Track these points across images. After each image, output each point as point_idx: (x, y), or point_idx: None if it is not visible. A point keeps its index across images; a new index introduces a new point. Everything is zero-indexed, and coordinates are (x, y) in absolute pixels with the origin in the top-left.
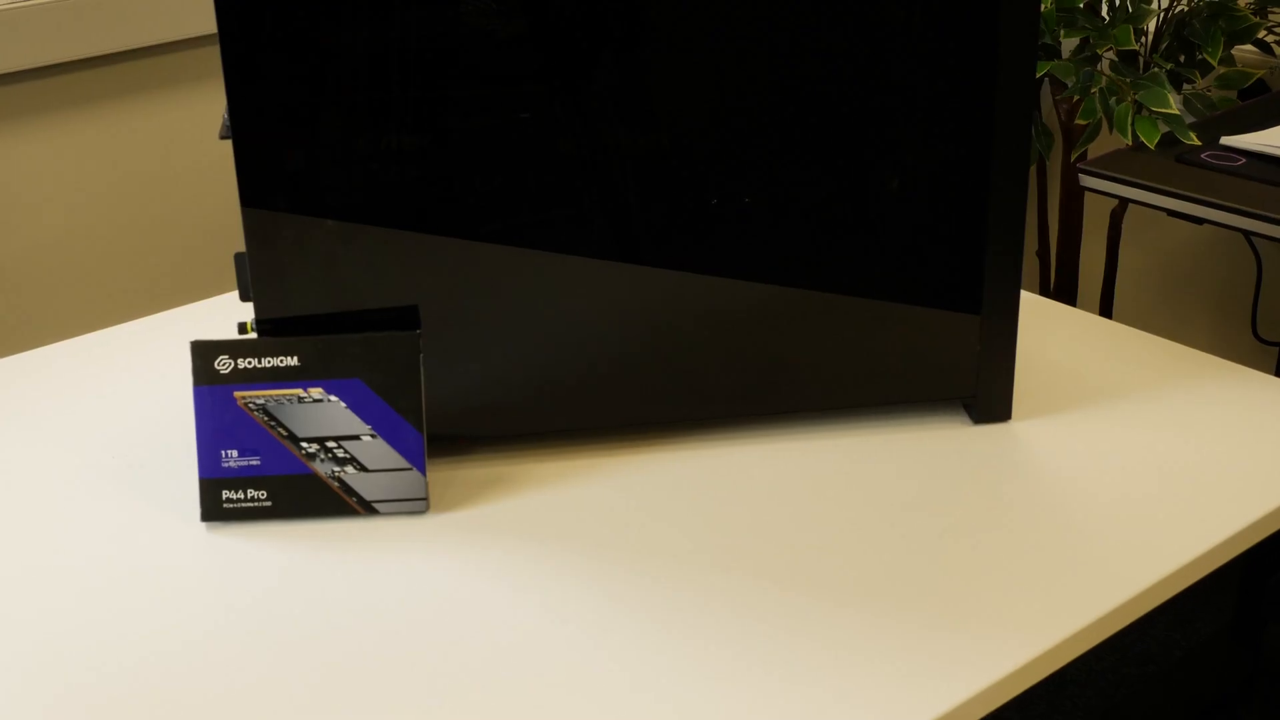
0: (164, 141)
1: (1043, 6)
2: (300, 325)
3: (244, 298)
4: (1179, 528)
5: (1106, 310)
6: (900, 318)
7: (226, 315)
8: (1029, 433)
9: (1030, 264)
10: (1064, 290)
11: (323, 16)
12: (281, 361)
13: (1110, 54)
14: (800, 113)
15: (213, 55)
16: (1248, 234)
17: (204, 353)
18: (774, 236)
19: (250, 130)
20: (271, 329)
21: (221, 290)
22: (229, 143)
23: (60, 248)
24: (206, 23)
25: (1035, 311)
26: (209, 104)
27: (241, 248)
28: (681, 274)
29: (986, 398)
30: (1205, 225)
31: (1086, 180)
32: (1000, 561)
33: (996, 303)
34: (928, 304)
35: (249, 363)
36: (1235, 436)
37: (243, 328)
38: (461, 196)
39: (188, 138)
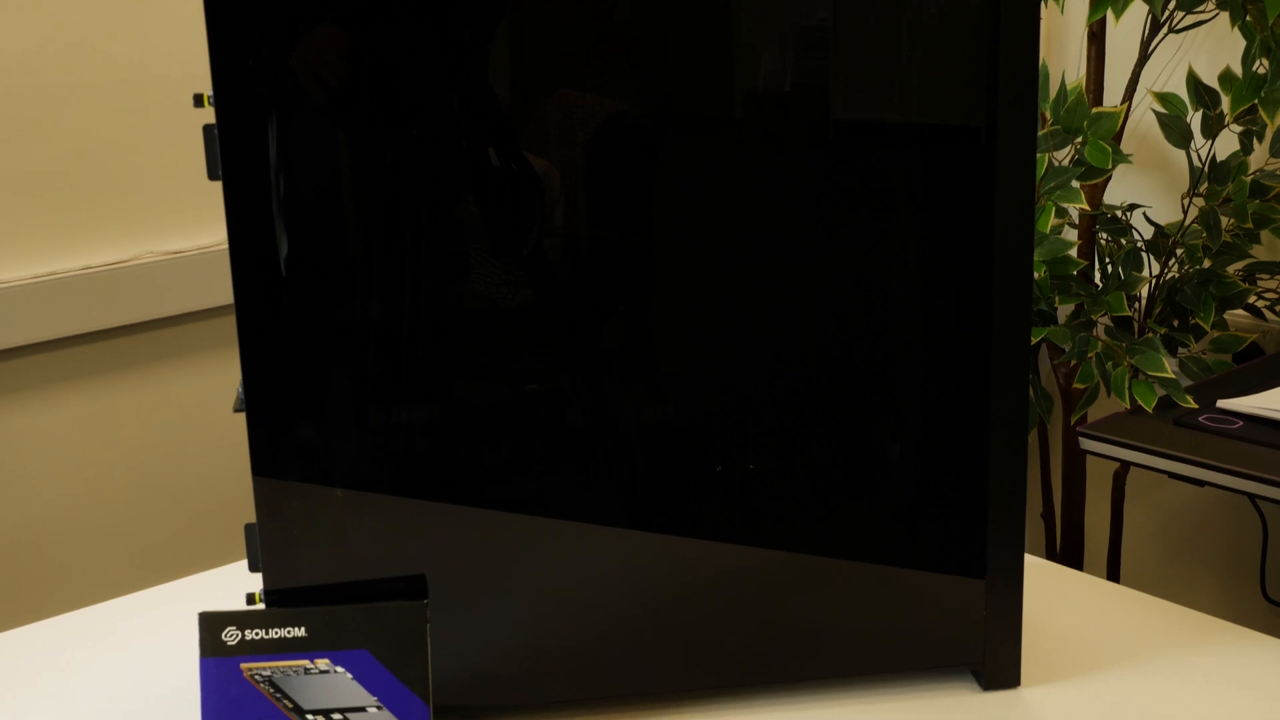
0: (175, 412)
1: (1036, 274)
2: (308, 595)
3: (253, 568)
4: None
5: (1114, 572)
6: (904, 583)
7: (236, 585)
8: (1039, 699)
9: (1035, 527)
10: (1070, 553)
11: (335, 290)
12: (289, 632)
13: (1105, 319)
14: (802, 381)
15: (223, 326)
16: (1251, 496)
17: (211, 624)
18: (777, 503)
19: (263, 402)
20: (280, 599)
21: (231, 559)
22: (240, 413)
23: (70, 518)
24: (218, 295)
25: (1041, 575)
26: (219, 374)
27: (251, 518)
28: (687, 540)
29: (994, 664)
30: (1207, 487)
31: (1087, 443)
32: None
33: (1001, 567)
34: (932, 569)
35: (256, 634)
36: (1247, 703)
37: (251, 598)
38: (470, 466)
39: (198, 408)
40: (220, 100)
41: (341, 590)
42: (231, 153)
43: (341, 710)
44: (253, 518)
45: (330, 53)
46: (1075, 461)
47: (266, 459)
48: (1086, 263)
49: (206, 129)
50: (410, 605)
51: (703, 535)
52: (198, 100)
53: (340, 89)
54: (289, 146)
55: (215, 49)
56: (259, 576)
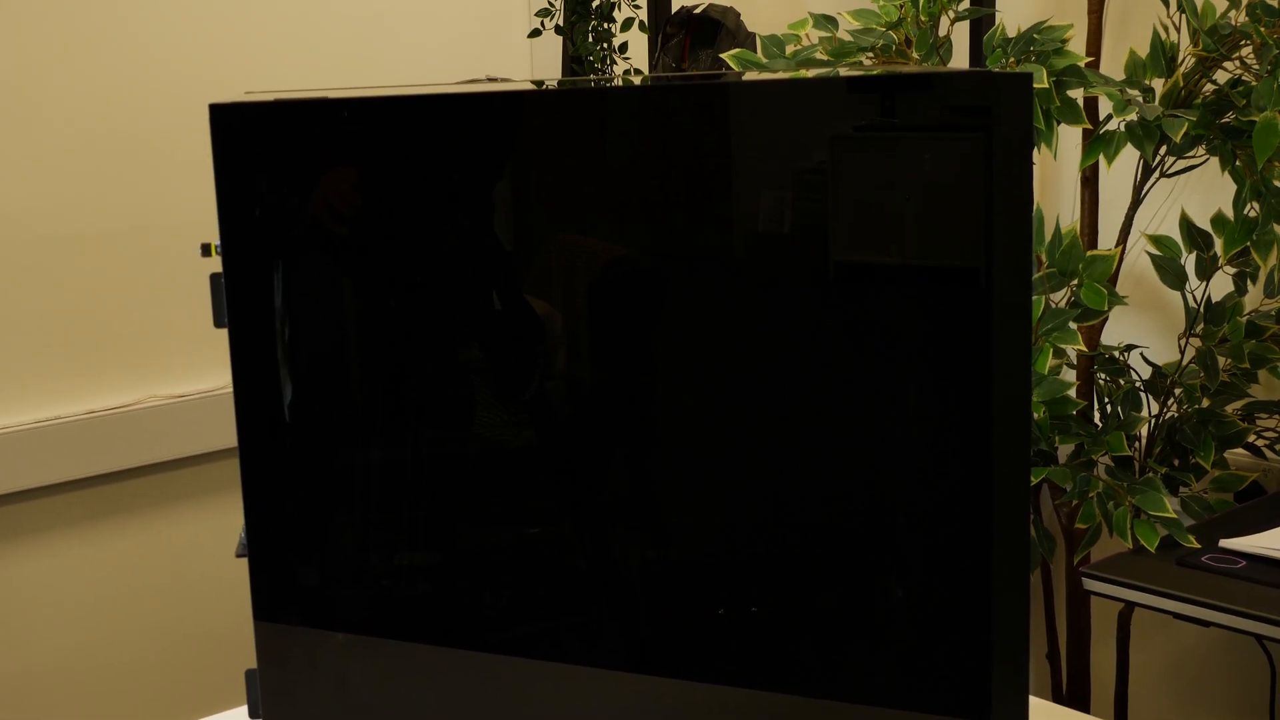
0: (177, 556)
1: (1036, 415)
2: None
3: (253, 714)
4: None
5: (1121, 714)
6: None
7: None
8: None
9: (1041, 668)
10: (1076, 695)
11: (338, 435)
12: None
13: (1105, 459)
14: (803, 523)
15: (225, 470)
16: (1258, 637)
17: None
18: (780, 646)
19: (265, 547)
20: None
21: (232, 704)
22: (242, 558)
23: (71, 662)
24: (220, 439)
25: (1048, 719)
26: (222, 518)
27: (252, 663)
28: (690, 684)
29: None
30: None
31: (1090, 584)
32: None
33: (1005, 710)
34: (935, 712)
35: None
36: None
37: None
38: (472, 610)
39: (200, 552)
40: (227, 250)
41: None
42: (237, 301)
43: None
44: (254, 663)
45: (336, 197)
46: (1079, 602)
47: (268, 604)
48: (1085, 403)
49: (213, 278)
50: None
51: (706, 679)
52: (205, 250)
53: (353, 229)
54: (293, 295)
55: (222, 200)
56: None
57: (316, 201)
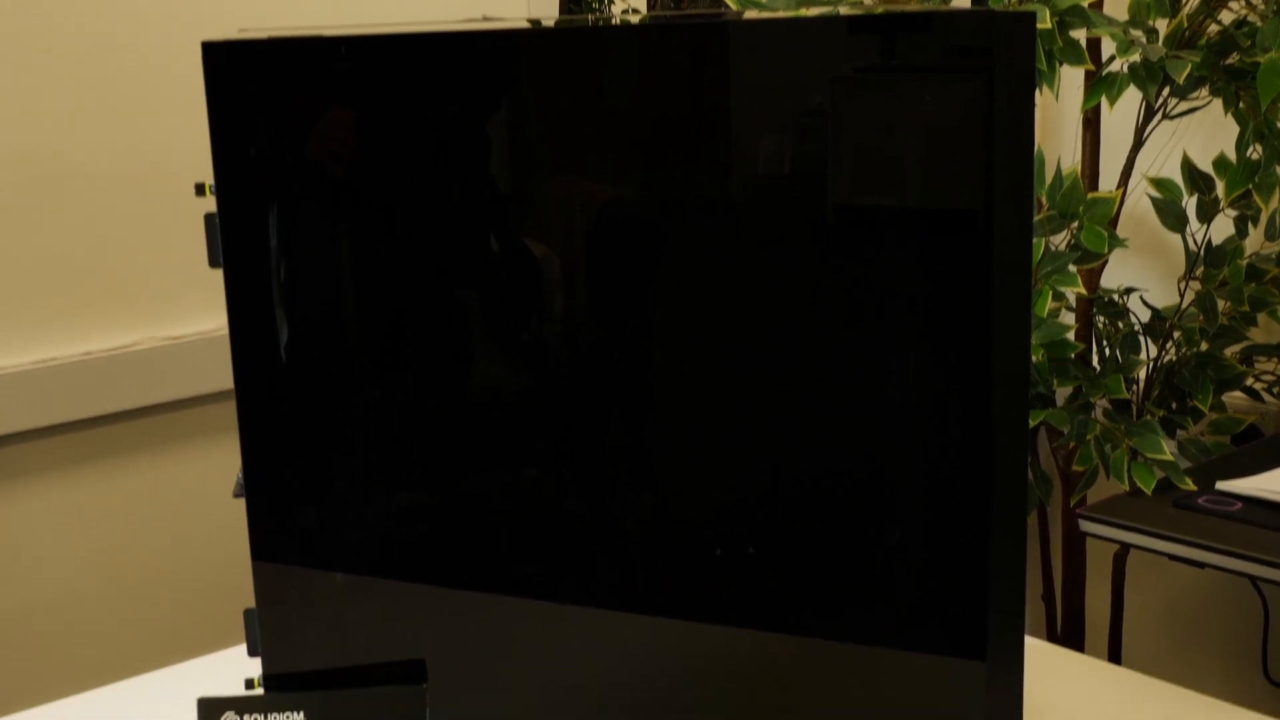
0: (174, 497)
1: (1034, 358)
2: (308, 680)
3: (252, 653)
4: None
5: (1115, 654)
6: (904, 666)
7: (235, 670)
8: None
9: (1036, 609)
10: (1071, 635)
11: (334, 376)
12: (287, 717)
13: (1103, 402)
14: (802, 465)
15: (222, 412)
16: (1252, 578)
17: (210, 709)
18: (778, 586)
19: (263, 487)
20: (278, 684)
21: (230, 644)
22: (239, 498)
23: (68, 603)
24: (217, 381)
25: (1042, 658)
26: (219, 460)
27: (251, 602)
28: (688, 624)
29: None
30: (1208, 569)
31: (1086, 525)
32: None
33: (1001, 649)
34: (931, 651)
35: (255, 718)
36: None
37: (250, 683)
38: (469, 550)
39: (198, 493)
40: (221, 189)
41: (340, 675)
42: (232, 241)
43: None
44: (252, 602)
45: (331, 136)
46: (1075, 543)
47: (266, 544)
48: (1084, 346)
49: (208, 218)
50: (409, 689)
51: (703, 619)
52: (199, 189)
53: (348, 168)
54: (289, 235)
55: (217, 139)
56: (258, 661)
57: (311, 141)
